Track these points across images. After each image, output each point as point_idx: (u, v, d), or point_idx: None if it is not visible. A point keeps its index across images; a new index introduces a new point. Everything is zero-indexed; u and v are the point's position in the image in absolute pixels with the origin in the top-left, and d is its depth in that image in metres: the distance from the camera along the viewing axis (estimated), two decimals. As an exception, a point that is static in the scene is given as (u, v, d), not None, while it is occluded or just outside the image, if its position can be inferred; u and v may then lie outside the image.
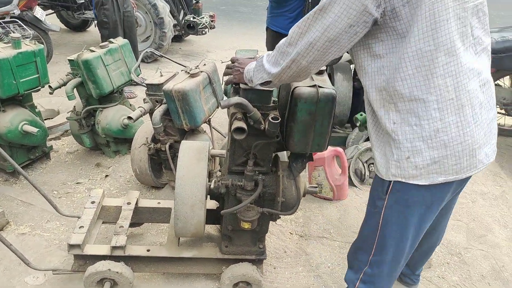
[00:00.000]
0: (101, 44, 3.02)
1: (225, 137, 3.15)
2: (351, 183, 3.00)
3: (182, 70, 2.58)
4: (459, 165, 1.27)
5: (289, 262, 2.33)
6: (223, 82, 2.59)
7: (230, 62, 1.65)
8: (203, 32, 6.40)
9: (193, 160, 1.82)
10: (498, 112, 3.93)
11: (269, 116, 1.54)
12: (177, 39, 7.05)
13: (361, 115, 1.83)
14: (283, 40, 1.31)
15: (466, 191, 3.17)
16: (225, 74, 1.68)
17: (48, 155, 3.27)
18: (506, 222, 2.89)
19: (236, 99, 1.50)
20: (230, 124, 1.58)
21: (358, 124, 1.92)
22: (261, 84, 1.44)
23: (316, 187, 1.91)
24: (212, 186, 1.75)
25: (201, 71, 2.51)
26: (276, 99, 1.64)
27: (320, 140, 1.61)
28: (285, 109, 1.64)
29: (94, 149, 3.44)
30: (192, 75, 2.46)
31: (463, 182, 1.38)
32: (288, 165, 1.82)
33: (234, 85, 1.70)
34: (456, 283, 2.28)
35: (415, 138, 1.25)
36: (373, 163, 2.52)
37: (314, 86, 1.51)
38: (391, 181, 1.35)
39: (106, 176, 3.13)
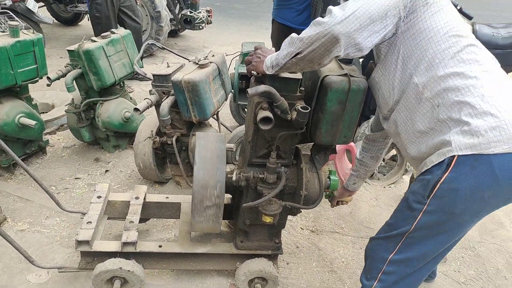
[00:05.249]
0: (103, 34, 2.90)
1: (231, 131, 3.06)
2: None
3: (190, 61, 2.49)
4: None
5: (302, 257, 2.27)
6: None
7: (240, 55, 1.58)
8: (200, 27, 6.28)
9: (211, 152, 1.74)
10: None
11: (296, 106, 1.48)
12: (172, 34, 6.91)
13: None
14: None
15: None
16: (245, 61, 1.62)
17: (44, 150, 3.14)
18: (516, 216, 2.91)
19: (264, 87, 1.42)
20: (254, 114, 1.51)
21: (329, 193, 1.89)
22: (286, 62, 1.33)
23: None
24: (234, 178, 1.67)
25: (211, 62, 2.42)
26: (303, 88, 1.57)
27: (348, 132, 1.55)
28: (310, 99, 1.58)
29: (92, 144, 3.32)
30: (201, 66, 2.37)
31: None
32: (310, 158, 1.75)
33: (257, 75, 1.64)
34: (473, 277, 2.26)
35: (462, 102, 1.19)
36: None
37: (345, 74, 1.45)
38: (439, 179, 1.21)
39: (106, 171, 3.02)
